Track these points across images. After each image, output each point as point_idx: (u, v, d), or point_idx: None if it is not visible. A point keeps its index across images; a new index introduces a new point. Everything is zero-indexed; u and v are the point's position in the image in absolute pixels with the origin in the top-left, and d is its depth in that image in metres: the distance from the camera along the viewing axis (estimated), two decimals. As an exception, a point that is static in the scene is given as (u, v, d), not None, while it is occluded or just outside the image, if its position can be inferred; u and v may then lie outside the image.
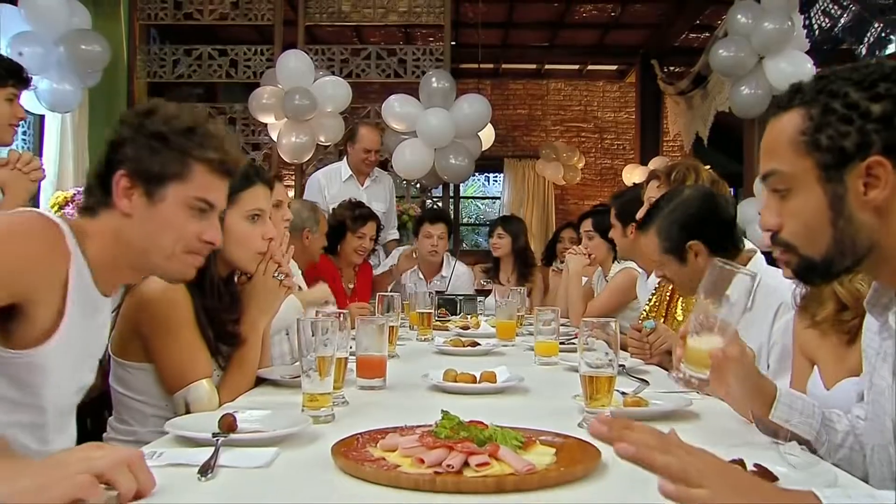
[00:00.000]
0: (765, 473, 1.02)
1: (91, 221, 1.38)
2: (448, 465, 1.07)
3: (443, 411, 1.23)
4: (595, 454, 1.16)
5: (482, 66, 9.37)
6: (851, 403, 1.43)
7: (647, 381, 1.91)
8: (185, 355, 1.72)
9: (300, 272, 2.88)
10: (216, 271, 1.82)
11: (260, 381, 1.90)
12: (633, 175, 9.59)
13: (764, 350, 1.97)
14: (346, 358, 1.69)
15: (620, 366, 2.11)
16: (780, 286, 1.88)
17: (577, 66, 10.95)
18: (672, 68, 9.52)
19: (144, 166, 1.37)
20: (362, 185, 4.94)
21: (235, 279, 1.97)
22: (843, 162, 1.05)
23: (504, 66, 10.76)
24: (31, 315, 1.26)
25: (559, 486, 1.06)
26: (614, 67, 11.02)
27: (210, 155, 1.41)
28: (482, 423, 1.20)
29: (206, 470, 1.08)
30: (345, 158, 5.03)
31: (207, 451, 1.15)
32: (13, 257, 1.25)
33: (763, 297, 1.96)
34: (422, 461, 1.09)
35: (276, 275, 1.94)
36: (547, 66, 10.93)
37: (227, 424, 1.27)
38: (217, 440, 1.20)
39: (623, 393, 1.66)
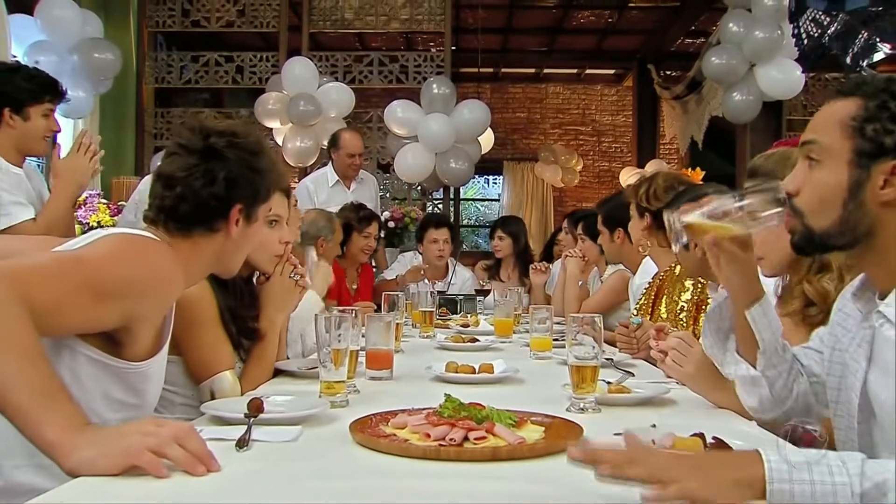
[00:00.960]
0: (721, 445, 1.18)
1: (183, 241, 1.53)
2: (451, 439, 1.24)
3: (445, 394, 1.40)
4: (578, 431, 1.33)
5: (482, 70, 9.55)
6: None
7: (632, 373, 2.08)
8: (211, 349, 1.89)
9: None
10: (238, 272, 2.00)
11: (277, 373, 2.07)
12: (630, 177, 9.76)
13: None
14: (357, 351, 1.86)
15: (608, 359, 2.30)
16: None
17: (575, 71, 11.12)
18: (668, 72, 9.69)
19: (254, 199, 1.59)
20: (349, 189, 5.09)
21: (254, 280, 2.14)
22: (877, 154, 1.20)
23: (503, 70, 10.92)
24: (137, 331, 1.42)
25: (546, 456, 1.24)
26: (612, 72, 11.19)
27: (280, 180, 1.75)
28: (480, 404, 1.37)
29: (242, 443, 1.26)
30: (330, 164, 5.17)
31: (241, 429, 1.32)
32: (155, 285, 1.44)
33: None
34: (428, 436, 1.26)
35: (292, 275, 2.12)
36: (546, 70, 11.10)
37: (256, 406, 1.44)
38: (249, 419, 1.37)
39: (608, 382, 1.83)
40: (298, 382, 1.97)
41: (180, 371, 1.90)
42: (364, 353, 2.01)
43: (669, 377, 1.93)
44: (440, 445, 1.23)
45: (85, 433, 1.12)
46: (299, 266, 2.14)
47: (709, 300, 2.50)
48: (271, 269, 2.08)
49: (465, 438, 1.25)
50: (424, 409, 1.41)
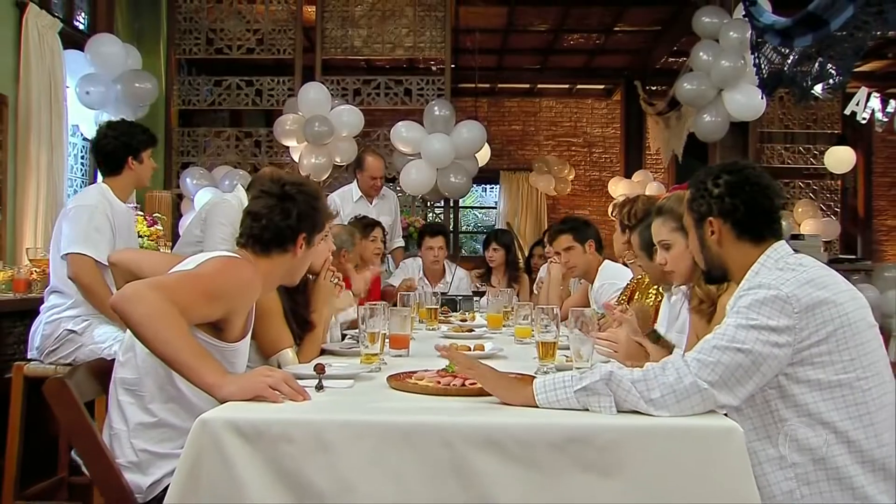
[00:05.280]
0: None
1: (265, 259, 2.19)
2: (454, 384, 1.93)
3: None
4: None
5: (479, 85, 10.24)
6: None
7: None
8: (277, 332, 2.57)
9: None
10: None
11: (323, 352, 2.76)
12: (618, 186, 10.43)
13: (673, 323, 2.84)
14: (385, 334, 2.54)
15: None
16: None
17: (567, 86, 11.78)
18: (654, 87, 10.36)
19: (314, 229, 2.26)
20: (371, 204, 5.75)
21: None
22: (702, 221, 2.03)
23: (500, 85, 11.59)
24: (233, 322, 2.09)
25: (514, 394, 1.92)
26: (602, 87, 11.86)
27: (330, 215, 2.42)
28: (473, 365, 2.06)
29: (319, 387, 1.94)
30: (355, 182, 5.86)
31: (314, 382, 2.00)
32: (244, 290, 2.09)
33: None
34: (439, 382, 1.95)
35: (332, 279, 2.81)
36: (539, 86, 11.76)
37: (321, 368, 2.12)
38: (320, 375, 2.05)
39: (567, 356, 2.51)
40: (339, 359, 2.65)
41: (254, 349, 2.57)
42: (388, 338, 2.68)
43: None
44: (447, 387, 1.92)
45: (227, 377, 1.82)
46: (338, 273, 2.84)
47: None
48: (323, 272, 2.78)
49: (463, 384, 1.94)
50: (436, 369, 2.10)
